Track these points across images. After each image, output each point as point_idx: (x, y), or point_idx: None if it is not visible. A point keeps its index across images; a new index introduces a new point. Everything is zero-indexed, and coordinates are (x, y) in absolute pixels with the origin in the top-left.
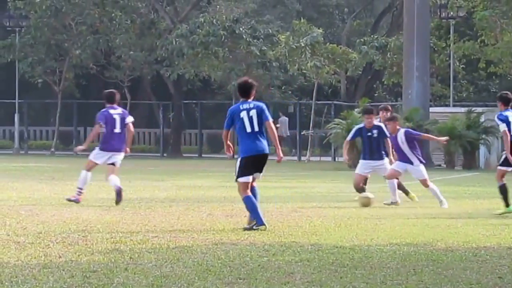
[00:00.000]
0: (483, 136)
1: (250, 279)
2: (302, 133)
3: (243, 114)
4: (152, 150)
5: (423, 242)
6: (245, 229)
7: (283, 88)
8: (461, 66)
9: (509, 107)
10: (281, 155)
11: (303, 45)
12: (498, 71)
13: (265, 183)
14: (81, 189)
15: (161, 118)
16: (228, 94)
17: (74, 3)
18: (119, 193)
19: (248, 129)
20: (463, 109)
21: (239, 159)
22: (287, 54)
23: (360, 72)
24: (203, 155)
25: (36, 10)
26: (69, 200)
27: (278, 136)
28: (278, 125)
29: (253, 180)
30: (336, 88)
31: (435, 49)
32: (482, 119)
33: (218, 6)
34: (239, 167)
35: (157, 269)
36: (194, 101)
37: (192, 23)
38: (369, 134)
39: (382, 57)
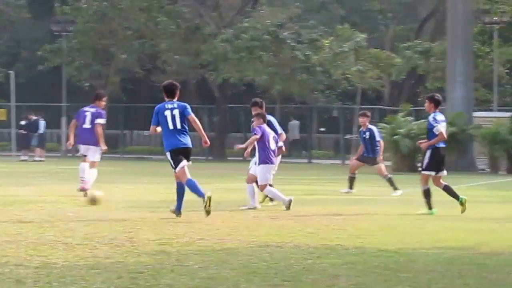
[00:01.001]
0: None
1: (295, 282)
2: (345, 137)
3: (167, 113)
4: (197, 153)
5: (467, 246)
6: (172, 211)
7: (326, 92)
8: (505, 71)
9: (438, 110)
10: (207, 140)
11: (346, 50)
12: None
13: (308, 187)
14: (82, 177)
15: (206, 122)
16: (273, 98)
17: (120, 9)
18: (83, 189)
19: (170, 126)
20: (507, 114)
21: (168, 154)
22: (331, 59)
23: (404, 77)
24: (247, 159)
25: (83, 15)
26: (82, 190)
27: (292, 139)
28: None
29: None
30: (380, 92)
31: (479, 54)
32: None
33: (262, 11)
34: (171, 160)
35: (203, 270)
36: (239, 105)
37: (237, 28)
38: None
39: (425, 61)
